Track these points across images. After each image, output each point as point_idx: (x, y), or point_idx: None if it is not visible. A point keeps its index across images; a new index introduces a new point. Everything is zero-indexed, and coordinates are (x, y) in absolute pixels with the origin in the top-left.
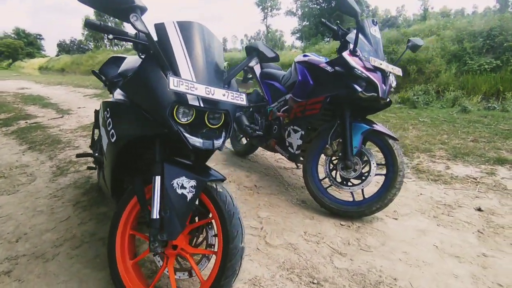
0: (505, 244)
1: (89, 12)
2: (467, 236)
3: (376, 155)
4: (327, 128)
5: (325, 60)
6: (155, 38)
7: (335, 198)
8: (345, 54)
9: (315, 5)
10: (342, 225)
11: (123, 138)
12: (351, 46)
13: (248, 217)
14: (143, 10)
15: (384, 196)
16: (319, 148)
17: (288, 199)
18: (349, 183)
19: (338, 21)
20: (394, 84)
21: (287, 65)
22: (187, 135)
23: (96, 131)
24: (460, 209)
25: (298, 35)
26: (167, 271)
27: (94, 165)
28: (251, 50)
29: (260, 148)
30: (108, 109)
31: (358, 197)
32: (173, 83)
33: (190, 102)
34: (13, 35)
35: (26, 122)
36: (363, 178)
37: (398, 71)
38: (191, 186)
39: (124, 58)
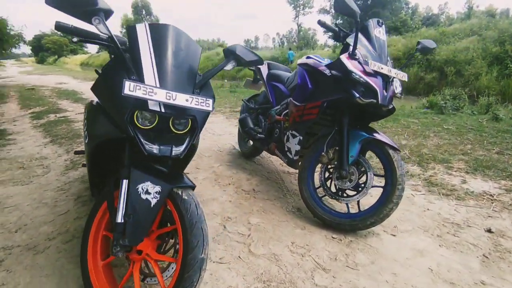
0: (509, 271)
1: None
2: (469, 260)
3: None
4: (325, 134)
5: (327, 63)
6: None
7: (329, 208)
8: (343, 57)
9: None
10: (333, 238)
11: (94, 140)
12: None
13: (238, 223)
14: (108, 12)
15: (379, 211)
16: (316, 155)
17: (283, 206)
18: (345, 194)
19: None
20: (398, 90)
21: None
22: (143, 141)
23: None
24: (468, 229)
25: (331, 33)
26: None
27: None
28: (228, 54)
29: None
30: (86, 110)
31: (355, 209)
32: (129, 88)
33: (150, 107)
34: (59, 33)
35: (55, 116)
36: (359, 189)
37: (403, 76)
38: (156, 192)
39: None
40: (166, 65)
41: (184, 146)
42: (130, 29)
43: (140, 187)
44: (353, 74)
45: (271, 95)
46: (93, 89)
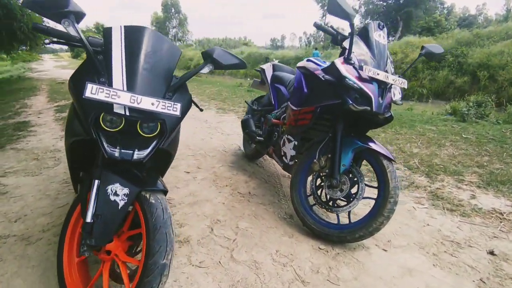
0: None
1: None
2: (463, 283)
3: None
4: (318, 141)
5: (324, 67)
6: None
7: (318, 218)
8: (337, 62)
9: (381, 1)
10: (320, 248)
11: (68, 138)
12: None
13: (226, 227)
14: (79, 15)
15: (369, 224)
16: (309, 161)
17: (276, 211)
18: (335, 204)
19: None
20: (398, 97)
21: None
22: (105, 144)
23: None
24: (469, 249)
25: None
26: None
27: None
28: (206, 57)
29: None
30: (68, 109)
31: (347, 220)
32: (90, 91)
33: (115, 110)
34: (93, 29)
35: None
36: (351, 199)
37: (402, 82)
38: (124, 194)
39: None
40: (137, 68)
41: (148, 150)
42: (106, 31)
43: (109, 188)
44: (346, 79)
45: (274, 97)
46: (68, 89)
